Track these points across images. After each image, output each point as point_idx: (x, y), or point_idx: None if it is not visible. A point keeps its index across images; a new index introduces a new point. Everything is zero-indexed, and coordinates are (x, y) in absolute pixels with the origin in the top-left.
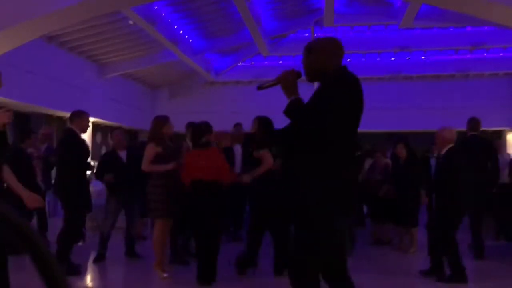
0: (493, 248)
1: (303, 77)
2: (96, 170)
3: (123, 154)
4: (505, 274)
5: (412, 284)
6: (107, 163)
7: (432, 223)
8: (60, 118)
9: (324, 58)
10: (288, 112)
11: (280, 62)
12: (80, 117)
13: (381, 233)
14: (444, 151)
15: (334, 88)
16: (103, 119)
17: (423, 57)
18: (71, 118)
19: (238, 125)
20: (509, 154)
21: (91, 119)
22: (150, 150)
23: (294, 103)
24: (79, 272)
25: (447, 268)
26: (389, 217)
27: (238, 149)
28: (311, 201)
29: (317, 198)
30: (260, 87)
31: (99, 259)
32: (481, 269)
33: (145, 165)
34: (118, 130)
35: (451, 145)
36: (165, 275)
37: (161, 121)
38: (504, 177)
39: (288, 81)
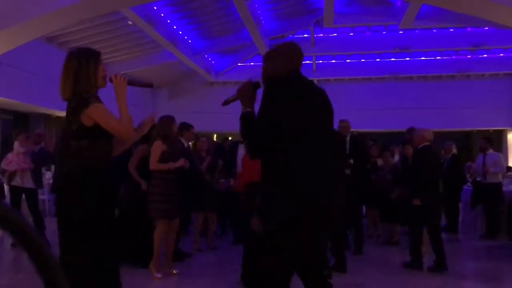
0: (494, 248)
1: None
2: None
3: None
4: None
5: (416, 280)
6: None
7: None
8: (59, 118)
9: (278, 64)
10: (240, 126)
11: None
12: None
13: (390, 234)
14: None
15: (278, 95)
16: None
17: (423, 58)
18: None
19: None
20: (497, 154)
21: None
22: (157, 148)
23: (244, 117)
24: None
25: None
26: (397, 218)
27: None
28: (270, 212)
29: (274, 207)
30: (224, 103)
31: None
32: (482, 269)
33: (153, 164)
34: None
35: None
36: (158, 275)
37: (167, 120)
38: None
39: (244, 93)
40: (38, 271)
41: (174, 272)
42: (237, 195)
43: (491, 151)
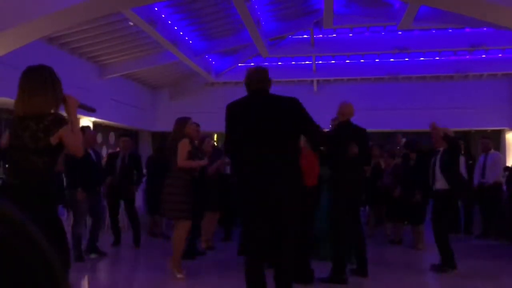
0: (494, 247)
1: None
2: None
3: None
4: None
5: (418, 279)
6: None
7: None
8: None
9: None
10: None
11: (280, 63)
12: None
13: (394, 233)
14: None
15: None
16: (104, 119)
17: (422, 58)
18: None
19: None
20: (497, 154)
21: (92, 119)
22: (184, 147)
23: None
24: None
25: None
26: (400, 217)
27: None
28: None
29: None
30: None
31: (79, 260)
32: (481, 268)
33: (181, 161)
34: (89, 128)
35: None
36: (180, 275)
37: (184, 121)
38: (496, 177)
39: None
40: (38, 269)
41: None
42: None
43: (492, 151)
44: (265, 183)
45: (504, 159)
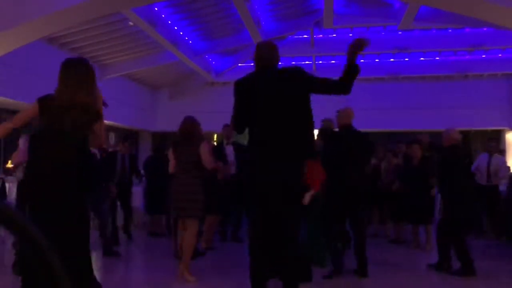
0: (493, 247)
1: None
2: None
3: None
4: (505, 274)
5: (419, 278)
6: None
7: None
8: None
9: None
10: (354, 76)
11: (280, 63)
12: None
13: (398, 232)
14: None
15: None
16: (104, 119)
17: (422, 58)
18: None
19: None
20: (503, 157)
21: None
22: (207, 147)
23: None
24: None
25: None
26: (405, 217)
27: (230, 148)
28: None
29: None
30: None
31: None
32: (482, 269)
33: (212, 163)
34: None
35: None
36: (194, 278)
37: (189, 121)
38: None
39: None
40: (39, 267)
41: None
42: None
43: (496, 154)
44: (273, 171)
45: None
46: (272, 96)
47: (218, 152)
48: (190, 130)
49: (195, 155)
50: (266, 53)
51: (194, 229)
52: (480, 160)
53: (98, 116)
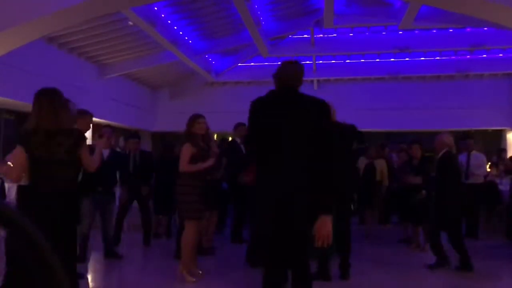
0: (495, 247)
1: None
2: None
3: (104, 152)
4: (505, 274)
5: (419, 277)
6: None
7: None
8: None
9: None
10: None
11: (280, 63)
12: (83, 115)
13: (404, 233)
14: (441, 154)
15: None
16: (104, 119)
17: (422, 58)
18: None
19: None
20: (482, 155)
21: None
22: (187, 151)
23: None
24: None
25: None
26: (408, 217)
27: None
28: None
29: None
30: None
31: (80, 261)
32: (482, 269)
33: (183, 166)
34: (107, 127)
35: (447, 149)
36: (192, 279)
37: (191, 120)
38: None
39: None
40: (37, 268)
41: (200, 272)
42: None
43: (474, 151)
44: (285, 196)
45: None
46: (289, 124)
47: (233, 150)
48: (185, 130)
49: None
50: (291, 74)
51: (192, 230)
52: (460, 159)
53: (83, 138)
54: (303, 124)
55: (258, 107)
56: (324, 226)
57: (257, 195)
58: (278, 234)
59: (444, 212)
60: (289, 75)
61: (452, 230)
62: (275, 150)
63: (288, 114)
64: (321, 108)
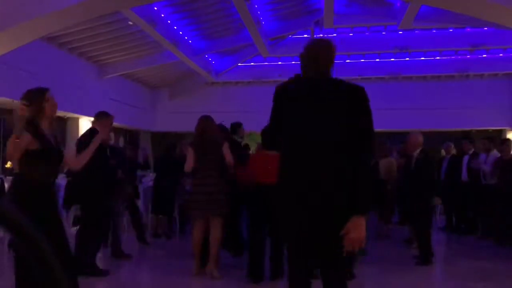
0: (493, 248)
1: None
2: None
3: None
4: (505, 274)
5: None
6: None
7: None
8: (60, 118)
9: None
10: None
11: (280, 63)
12: (104, 118)
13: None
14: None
15: None
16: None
17: (422, 58)
18: (96, 118)
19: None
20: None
21: (91, 119)
22: (189, 153)
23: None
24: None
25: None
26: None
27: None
28: None
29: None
30: None
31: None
32: (482, 269)
33: (188, 166)
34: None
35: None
36: (218, 275)
37: (200, 120)
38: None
39: None
40: (36, 267)
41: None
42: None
43: (495, 151)
44: (313, 193)
45: None
46: (317, 120)
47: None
48: (205, 129)
49: (218, 154)
50: (323, 56)
51: (197, 228)
52: (481, 159)
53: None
54: (337, 115)
55: (283, 95)
56: (356, 229)
57: (280, 191)
58: (308, 233)
59: (416, 206)
60: (323, 56)
61: (421, 223)
62: (303, 144)
63: (319, 106)
64: (359, 96)
